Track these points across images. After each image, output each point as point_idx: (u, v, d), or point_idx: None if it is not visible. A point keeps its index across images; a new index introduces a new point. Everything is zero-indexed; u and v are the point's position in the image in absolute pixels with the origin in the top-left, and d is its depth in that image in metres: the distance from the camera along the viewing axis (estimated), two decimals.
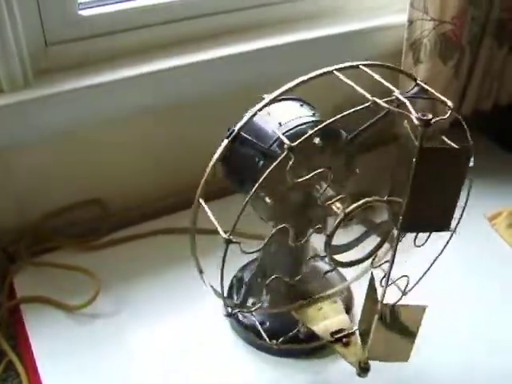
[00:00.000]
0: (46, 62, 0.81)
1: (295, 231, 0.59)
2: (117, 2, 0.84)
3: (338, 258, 0.61)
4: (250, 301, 0.73)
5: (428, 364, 0.71)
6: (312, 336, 0.68)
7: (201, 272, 0.63)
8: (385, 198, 0.55)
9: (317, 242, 0.64)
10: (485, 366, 0.72)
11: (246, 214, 0.61)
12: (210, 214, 0.57)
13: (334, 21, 0.96)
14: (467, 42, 0.96)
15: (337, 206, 0.57)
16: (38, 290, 0.80)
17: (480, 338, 0.75)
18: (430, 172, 0.48)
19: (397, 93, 0.52)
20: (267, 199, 0.61)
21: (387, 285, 0.55)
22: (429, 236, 0.60)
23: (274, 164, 0.52)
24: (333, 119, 0.54)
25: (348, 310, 0.75)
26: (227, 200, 0.78)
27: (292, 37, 0.91)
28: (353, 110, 0.52)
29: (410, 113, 0.48)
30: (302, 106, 0.65)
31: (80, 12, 0.81)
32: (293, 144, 0.52)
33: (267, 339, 0.66)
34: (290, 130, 0.60)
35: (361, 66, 0.57)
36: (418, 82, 0.60)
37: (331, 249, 0.59)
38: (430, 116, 0.46)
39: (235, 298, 0.75)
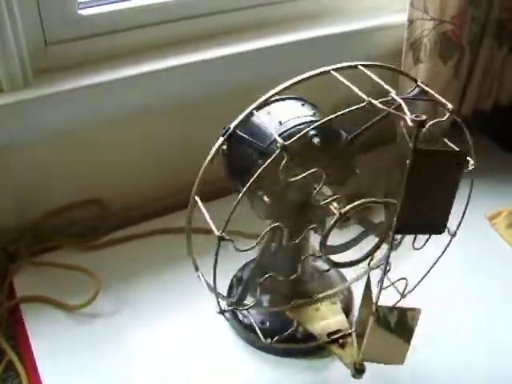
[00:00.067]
0: (46, 61, 0.81)
1: (295, 231, 0.59)
2: (116, 2, 0.84)
3: (337, 258, 0.61)
4: (250, 300, 0.73)
5: (428, 364, 0.71)
6: (310, 336, 0.68)
7: (197, 269, 0.63)
8: (380, 199, 0.55)
9: (317, 241, 0.63)
10: (485, 366, 0.72)
11: (246, 213, 0.62)
12: (204, 211, 0.57)
13: (333, 20, 0.96)
14: (467, 41, 0.96)
15: (334, 206, 0.57)
16: (38, 289, 0.80)
17: (480, 337, 0.75)
18: (424, 174, 0.48)
19: (393, 93, 0.52)
20: (265, 198, 0.61)
21: (381, 286, 0.55)
22: (427, 239, 0.60)
23: (267, 163, 0.52)
24: (326, 119, 0.54)
25: (348, 310, 0.75)
26: (227, 200, 0.78)
27: (292, 36, 0.91)
28: (348, 109, 0.53)
29: (405, 114, 0.48)
30: (303, 105, 0.65)
31: (80, 11, 0.81)
32: (286, 143, 0.52)
33: (262, 337, 0.66)
34: (289, 129, 0.60)
35: (360, 67, 0.57)
36: (418, 83, 0.59)
37: (327, 249, 0.59)
38: (424, 117, 0.46)
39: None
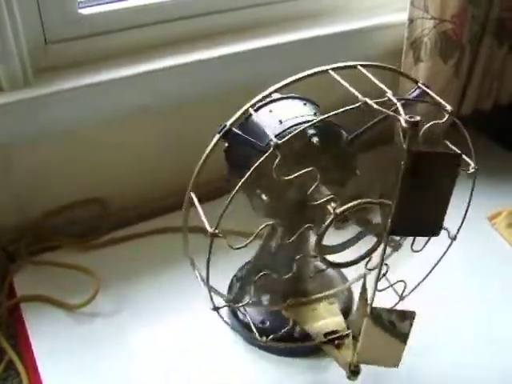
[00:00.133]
0: (46, 60, 0.81)
1: (294, 230, 0.59)
2: (117, 1, 0.84)
3: (337, 258, 0.61)
4: (248, 298, 0.73)
5: (429, 364, 0.71)
6: (307, 335, 0.68)
7: (193, 265, 0.63)
8: (376, 200, 0.55)
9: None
10: (486, 366, 0.72)
11: (247, 213, 0.62)
12: (199, 208, 0.57)
13: (333, 20, 0.96)
14: (467, 40, 0.96)
15: (332, 206, 0.57)
16: (38, 288, 0.80)
17: (481, 337, 0.75)
18: (419, 175, 0.48)
19: (389, 94, 0.52)
20: (263, 196, 0.61)
21: (376, 288, 0.55)
22: (427, 242, 0.60)
23: (259, 162, 0.52)
24: (319, 118, 0.54)
25: (348, 310, 0.75)
26: (226, 199, 0.78)
27: (291, 36, 0.91)
28: (342, 109, 0.53)
29: (400, 114, 0.48)
30: (305, 104, 0.65)
31: (80, 11, 0.81)
32: (279, 142, 0.52)
33: (257, 335, 0.66)
34: (287, 128, 0.60)
35: (359, 67, 0.57)
36: (419, 84, 0.59)
37: (323, 248, 0.59)
38: (418, 118, 0.46)
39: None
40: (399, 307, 0.64)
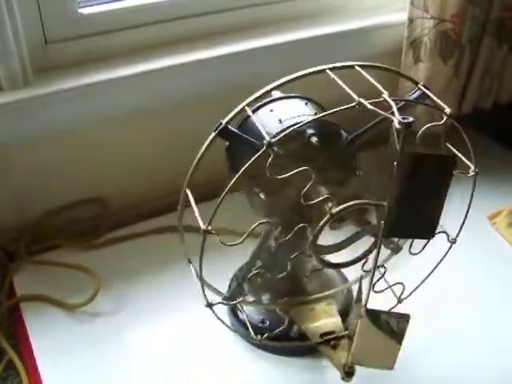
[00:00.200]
0: (46, 60, 0.81)
1: (292, 230, 0.59)
2: (117, 0, 0.84)
3: (334, 258, 0.61)
4: (249, 298, 0.73)
5: (429, 364, 0.71)
6: (304, 335, 0.68)
7: (189, 261, 0.63)
8: (372, 201, 0.55)
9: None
10: (488, 366, 0.72)
11: (246, 212, 0.62)
12: (193, 204, 0.57)
13: (333, 19, 0.96)
14: (467, 40, 0.96)
15: (327, 206, 0.57)
16: (38, 288, 0.80)
17: (482, 336, 0.75)
18: (412, 177, 0.48)
19: (385, 95, 0.52)
20: (261, 195, 0.61)
21: (370, 290, 0.55)
22: (425, 244, 0.60)
23: (252, 160, 0.53)
24: (311, 118, 0.55)
25: (347, 311, 0.74)
26: (225, 199, 0.78)
27: (290, 36, 0.91)
28: (336, 109, 0.53)
29: (394, 115, 0.48)
30: (306, 104, 0.65)
31: (80, 10, 0.81)
32: (272, 140, 0.52)
33: (252, 333, 0.66)
34: (286, 128, 0.60)
35: (356, 67, 0.57)
36: (419, 85, 0.59)
37: (318, 248, 0.59)
38: (411, 119, 0.46)
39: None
40: (400, 308, 0.65)
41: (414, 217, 0.50)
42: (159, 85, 0.85)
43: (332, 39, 0.93)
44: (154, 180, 0.94)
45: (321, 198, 0.57)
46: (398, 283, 0.63)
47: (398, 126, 0.46)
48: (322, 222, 0.56)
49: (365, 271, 0.62)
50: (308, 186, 0.54)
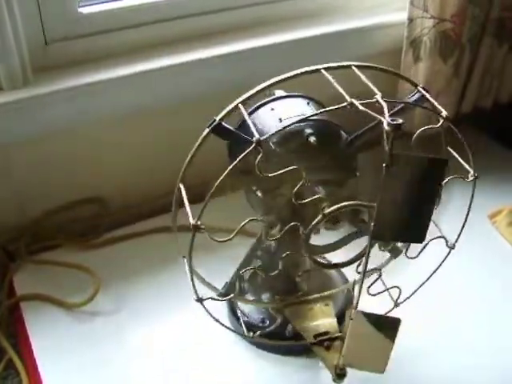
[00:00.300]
0: (46, 59, 0.81)
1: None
2: (117, 0, 0.84)
3: (334, 258, 0.61)
4: (249, 296, 0.73)
5: (429, 365, 0.71)
6: (298, 334, 0.68)
7: (184, 257, 0.63)
8: (365, 203, 0.55)
9: (317, 241, 0.63)
10: (487, 366, 0.71)
11: (246, 212, 0.62)
12: (185, 200, 0.58)
13: (333, 19, 0.96)
14: (467, 40, 0.96)
15: (322, 206, 0.57)
16: (38, 287, 0.80)
17: (482, 336, 0.75)
18: (402, 180, 0.47)
19: (378, 96, 0.52)
20: (258, 193, 0.61)
21: (360, 291, 0.54)
22: (422, 249, 0.60)
23: (240, 157, 0.53)
24: (304, 116, 0.55)
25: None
26: (224, 199, 0.78)
27: (290, 35, 0.91)
28: (326, 109, 0.53)
29: (384, 117, 0.47)
30: (308, 104, 0.65)
31: (80, 10, 0.81)
32: (261, 138, 0.52)
33: (245, 330, 0.66)
34: (287, 126, 0.60)
35: (353, 67, 0.57)
36: (418, 88, 0.59)
37: (311, 248, 0.59)
38: (401, 121, 0.46)
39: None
40: (400, 309, 0.65)
41: (404, 219, 0.50)
42: (159, 84, 0.85)
43: (332, 39, 0.93)
44: (153, 180, 0.94)
45: (313, 198, 0.57)
46: (394, 287, 0.63)
47: (387, 127, 0.46)
48: (313, 222, 0.56)
49: (358, 273, 0.62)
50: (299, 185, 0.54)
